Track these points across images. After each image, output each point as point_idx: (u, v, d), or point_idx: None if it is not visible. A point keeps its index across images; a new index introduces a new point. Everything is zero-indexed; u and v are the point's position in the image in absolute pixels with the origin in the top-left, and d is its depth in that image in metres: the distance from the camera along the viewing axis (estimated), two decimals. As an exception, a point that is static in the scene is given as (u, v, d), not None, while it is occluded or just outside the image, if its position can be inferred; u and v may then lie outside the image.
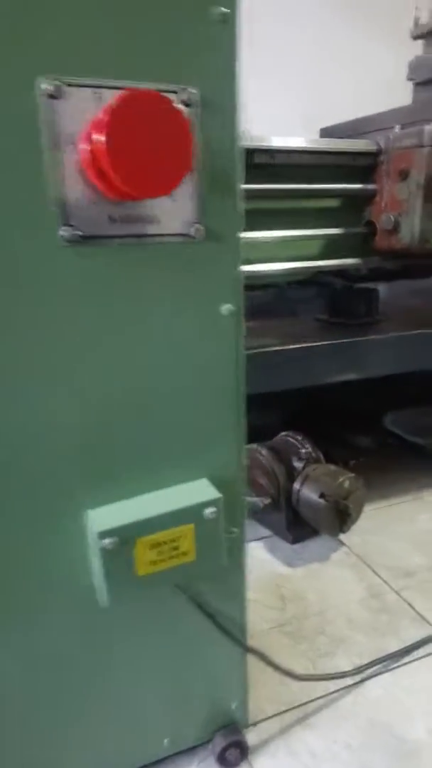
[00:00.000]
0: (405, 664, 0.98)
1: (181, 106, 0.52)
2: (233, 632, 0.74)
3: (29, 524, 0.59)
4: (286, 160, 1.42)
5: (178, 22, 0.51)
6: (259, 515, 1.41)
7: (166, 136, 0.47)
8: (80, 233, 0.52)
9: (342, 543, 1.34)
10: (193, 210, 0.56)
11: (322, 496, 1.22)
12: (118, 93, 0.49)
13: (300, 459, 1.35)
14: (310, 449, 1.38)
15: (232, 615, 0.75)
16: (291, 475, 1.34)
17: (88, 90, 0.49)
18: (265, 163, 1.40)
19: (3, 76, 0.46)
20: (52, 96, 0.48)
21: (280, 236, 1.48)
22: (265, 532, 1.41)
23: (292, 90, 2.61)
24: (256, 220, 1.50)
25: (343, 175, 1.50)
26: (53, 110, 0.48)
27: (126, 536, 0.58)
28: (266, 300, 1.97)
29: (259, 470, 1.36)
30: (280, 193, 1.46)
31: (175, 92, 0.52)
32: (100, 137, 0.45)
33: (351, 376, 1.39)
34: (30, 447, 0.57)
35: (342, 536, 1.31)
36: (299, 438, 1.41)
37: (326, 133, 1.97)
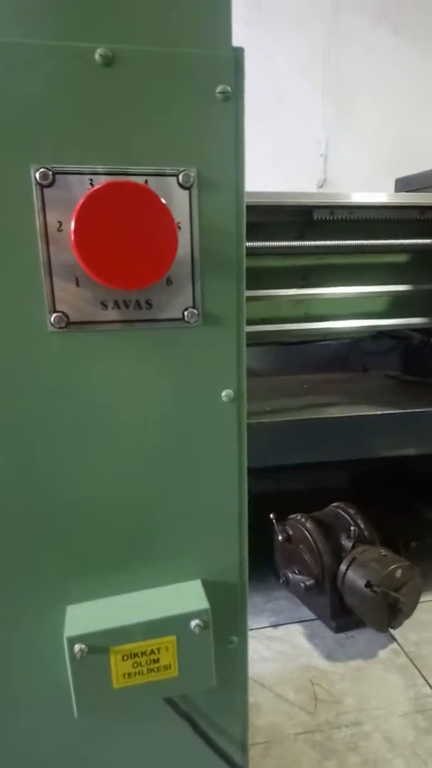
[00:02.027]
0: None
1: (177, 189, 0.49)
2: (232, 756, 0.65)
3: (8, 613, 0.56)
4: (350, 216, 1.36)
5: (178, 101, 0.48)
6: (301, 595, 1.29)
7: (145, 227, 0.43)
8: (69, 319, 0.50)
9: (393, 638, 1.19)
10: (189, 294, 0.52)
11: (368, 585, 1.10)
12: (110, 179, 0.47)
13: (349, 537, 1.23)
14: (362, 526, 1.26)
15: (231, 733, 0.66)
16: (338, 554, 1.22)
17: (81, 176, 0.47)
18: (327, 220, 1.35)
19: (-3, 164, 0.46)
20: (43, 183, 0.47)
21: (345, 293, 1.42)
22: (308, 613, 1.29)
23: (377, 133, 2.55)
24: (321, 275, 1.45)
25: (412, 229, 1.41)
26: (45, 196, 0.47)
27: (97, 644, 0.52)
28: (335, 351, 1.89)
29: (304, 545, 1.25)
30: (347, 249, 1.40)
31: (173, 175, 0.49)
32: (75, 218, 0.43)
33: (412, 450, 1.26)
34: (12, 535, 0.54)
35: (394, 630, 1.16)
36: (351, 512, 1.30)
37: (402, 183, 1.89)
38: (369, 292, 1.45)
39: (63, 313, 0.50)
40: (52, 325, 0.49)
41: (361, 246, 1.38)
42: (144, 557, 0.58)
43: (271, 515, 1.30)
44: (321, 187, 2.65)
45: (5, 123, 0.45)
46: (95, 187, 0.42)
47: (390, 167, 2.13)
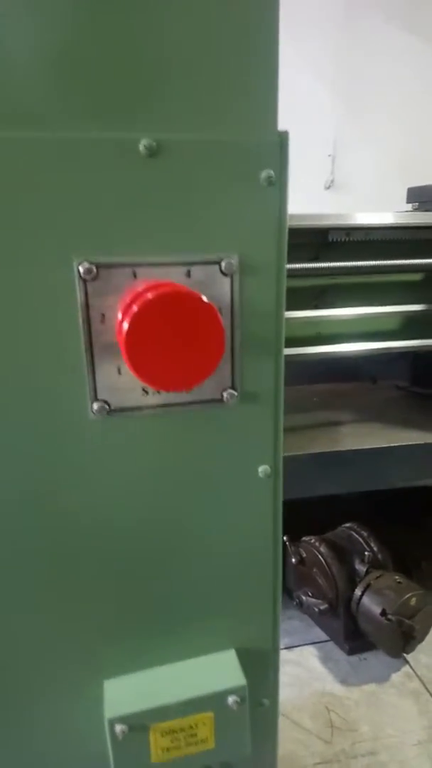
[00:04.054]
0: None
1: (219, 276, 0.49)
2: (261, 810, 0.67)
3: (43, 687, 0.56)
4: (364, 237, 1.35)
5: (222, 188, 0.47)
6: (314, 617, 1.31)
7: (196, 333, 0.43)
8: (110, 407, 0.49)
9: (406, 661, 1.21)
10: (228, 375, 0.52)
11: (383, 613, 1.11)
12: (153, 269, 0.47)
13: (363, 562, 1.24)
14: (375, 550, 1.27)
15: (260, 788, 0.67)
16: (352, 578, 1.23)
17: (124, 268, 0.47)
18: (341, 241, 1.34)
19: (41, 257, 0.45)
20: (86, 277, 0.46)
21: (359, 313, 1.41)
22: (320, 634, 1.31)
23: (388, 133, 2.51)
24: (335, 295, 1.44)
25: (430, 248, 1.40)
26: (88, 289, 0.46)
27: (139, 724, 0.53)
28: (343, 361, 1.88)
29: (317, 569, 1.26)
30: (362, 269, 1.39)
31: (215, 262, 0.48)
32: (124, 326, 0.42)
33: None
34: (49, 609, 0.54)
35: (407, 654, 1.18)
36: (364, 534, 1.31)
37: (414, 193, 1.87)
38: (383, 313, 1.44)
39: (104, 401, 0.49)
40: (94, 413, 0.49)
41: (377, 266, 1.37)
42: (179, 628, 0.58)
43: (285, 537, 1.31)
44: (328, 188, 2.62)
45: (49, 216, 0.44)
46: (149, 297, 0.41)
47: (401, 169, 2.09)
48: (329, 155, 2.59)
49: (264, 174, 0.47)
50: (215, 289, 0.49)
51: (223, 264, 0.49)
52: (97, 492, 0.52)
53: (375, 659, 1.22)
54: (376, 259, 1.36)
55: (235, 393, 0.52)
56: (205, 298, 0.43)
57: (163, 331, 0.42)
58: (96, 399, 0.49)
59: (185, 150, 0.45)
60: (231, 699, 0.55)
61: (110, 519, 0.53)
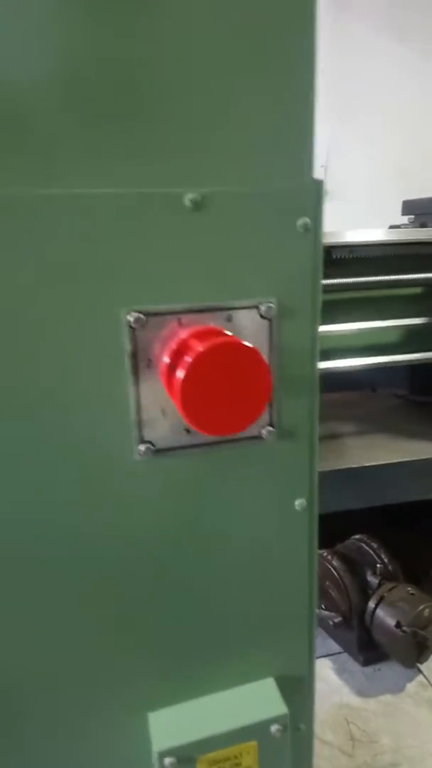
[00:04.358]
0: None
1: (258, 319, 0.50)
2: None
3: (87, 722, 0.57)
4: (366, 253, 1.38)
5: (261, 237, 0.49)
6: (328, 629, 1.33)
7: (245, 381, 0.44)
8: (155, 447, 0.51)
9: (419, 670, 1.23)
10: (267, 414, 0.54)
11: (398, 625, 1.13)
12: (196, 315, 0.48)
13: (375, 574, 1.26)
14: (386, 561, 1.29)
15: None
16: (364, 590, 1.25)
17: (170, 316, 0.48)
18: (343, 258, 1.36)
19: (92, 307, 0.46)
20: (135, 326, 0.47)
21: (359, 328, 1.43)
22: (334, 645, 1.33)
23: (382, 143, 2.53)
24: (335, 309, 1.46)
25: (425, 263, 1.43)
26: (135, 337, 0.48)
27: (186, 755, 0.54)
28: (343, 370, 1.90)
29: (330, 582, 1.28)
30: (359, 285, 1.41)
31: (254, 306, 0.50)
32: (178, 376, 0.44)
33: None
34: (94, 644, 0.55)
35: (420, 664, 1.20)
36: (374, 546, 1.33)
37: (409, 206, 1.90)
38: (383, 327, 1.46)
39: (150, 442, 0.51)
40: (140, 454, 0.50)
41: (378, 282, 1.40)
42: (219, 659, 0.59)
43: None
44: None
45: (98, 269, 0.46)
46: (204, 349, 0.42)
47: (396, 179, 2.12)
48: (322, 166, 2.62)
49: (301, 222, 0.49)
50: (254, 332, 0.51)
51: (262, 308, 0.50)
52: (141, 528, 0.53)
53: (389, 669, 1.24)
54: (377, 275, 1.38)
55: (274, 430, 0.54)
56: (251, 346, 0.44)
57: (215, 379, 0.43)
58: (142, 441, 0.50)
59: (227, 202, 0.47)
60: (274, 727, 0.56)
61: (153, 555, 0.54)
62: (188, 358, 0.43)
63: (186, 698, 0.59)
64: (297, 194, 0.49)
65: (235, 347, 0.44)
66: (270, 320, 0.51)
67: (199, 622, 0.58)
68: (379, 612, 1.18)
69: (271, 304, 0.50)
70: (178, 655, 0.58)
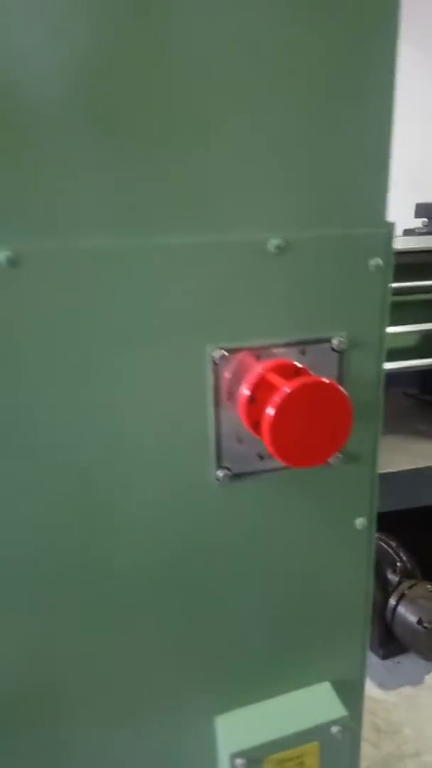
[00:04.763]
0: None
1: (330, 353, 0.53)
2: None
3: (158, 727, 0.61)
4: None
5: (336, 277, 0.52)
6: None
7: (328, 416, 0.47)
8: (231, 472, 0.54)
9: (437, 663, 1.29)
10: (335, 440, 0.57)
11: (420, 622, 1.18)
12: (274, 350, 0.51)
13: (395, 572, 1.31)
14: (405, 559, 1.34)
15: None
16: (384, 588, 1.30)
17: (251, 351, 0.51)
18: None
19: (181, 344, 0.49)
20: (218, 361, 0.50)
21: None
22: (354, 640, 1.38)
23: (400, 141, 2.54)
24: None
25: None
26: (218, 371, 0.51)
27: (255, 756, 0.58)
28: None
29: (351, 579, 1.33)
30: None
31: (326, 341, 0.53)
32: (268, 413, 0.47)
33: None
34: (170, 654, 0.59)
35: (438, 657, 1.25)
36: (393, 545, 1.37)
37: (423, 209, 1.93)
38: (402, 331, 1.50)
39: (227, 468, 0.54)
40: (218, 479, 0.54)
41: (398, 288, 1.43)
42: (281, 666, 0.63)
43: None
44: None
45: (187, 310, 0.48)
46: (292, 389, 0.45)
47: (410, 182, 2.13)
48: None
49: (373, 262, 0.52)
50: (326, 364, 0.54)
51: (334, 342, 0.53)
52: (215, 547, 0.56)
53: (408, 662, 1.29)
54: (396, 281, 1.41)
55: (340, 455, 0.57)
56: (334, 383, 0.47)
57: (302, 416, 0.46)
58: (220, 466, 0.54)
59: (307, 246, 0.50)
60: (335, 729, 0.60)
61: (226, 571, 0.58)
62: (277, 398, 0.46)
63: (250, 702, 0.63)
64: (371, 238, 0.51)
65: (321, 386, 0.47)
66: (340, 353, 0.54)
67: (264, 632, 0.61)
68: (401, 609, 1.23)
69: (342, 338, 0.53)
70: (244, 663, 0.62)
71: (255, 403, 0.51)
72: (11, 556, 0.51)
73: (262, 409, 0.51)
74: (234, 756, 0.57)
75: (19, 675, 0.55)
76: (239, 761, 0.57)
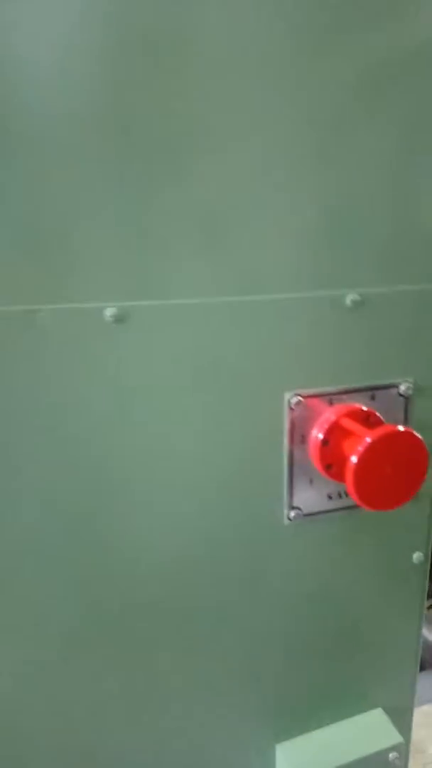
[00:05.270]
0: None
1: (397, 398, 0.56)
2: None
3: (220, 755, 0.63)
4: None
5: (403, 328, 0.55)
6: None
7: (406, 462, 0.50)
8: (302, 512, 0.56)
9: (455, 681, 1.32)
10: (397, 480, 0.60)
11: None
12: (345, 396, 0.54)
13: (414, 591, 1.33)
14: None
15: None
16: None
17: (323, 397, 0.54)
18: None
19: (261, 392, 0.52)
20: (294, 408, 0.53)
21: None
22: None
23: None
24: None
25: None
26: (293, 416, 0.53)
27: (318, 784, 0.60)
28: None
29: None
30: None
31: (394, 386, 0.56)
32: (352, 461, 0.49)
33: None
34: (230, 681, 0.61)
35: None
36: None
37: None
38: None
39: (298, 508, 0.56)
40: (290, 519, 0.56)
41: None
42: (338, 694, 0.66)
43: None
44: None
45: (266, 360, 0.51)
46: (375, 438, 0.48)
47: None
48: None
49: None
50: (393, 408, 0.57)
51: (401, 387, 0.56)
52: (281, 584, 0.59)
53: (425, 680, 1.32)
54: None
55: (405, 494, 0.60)
56: (412, 431, 0.50)
57: (382, 463, 0.49)
58: (292, 507, 0.56)
59: (382, 300, 0.53)
60: (392, 755, 0.63)
61: (288, 606, 0.60)
62: (360, 447, 0.49)
63: (308, 729, 0.65)
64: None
65: (400, 435, 0.50)
66: (407, 398, 0.57)
67: (321, 662, 0.64)
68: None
69: (409, 384, 0.56)
70: (302, 692, 0.64)
71: (328, 446, 0.54)
72: (103, 600, 0.53)
73: (335, 452, 0.54)
74: (298, 784, 0.59)
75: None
76: (303, 789, 0.59)
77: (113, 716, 0.57)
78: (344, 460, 0.52)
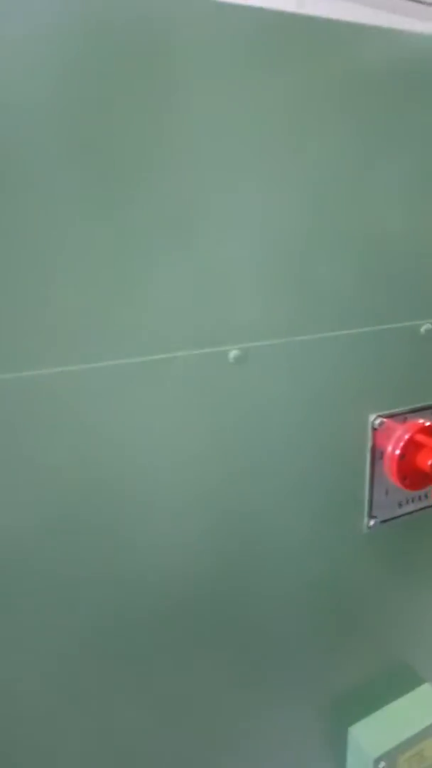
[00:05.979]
0: None
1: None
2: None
3: (294, 740, 0.69)
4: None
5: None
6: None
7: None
8: (378, 520, 0.63)
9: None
10: (450, 482, 0.67)
11: None
12: (416, 414, 0.61)
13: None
14: None
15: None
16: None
17: (399, 416, 0.60)
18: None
19: (350, 416, 0.57)
20: (376, 427, 0.58)
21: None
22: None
23: None
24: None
25: None
26: (375, 435, 0.59)
27: (393, 757, 0.67)
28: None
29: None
30: None
31: (452, 401, 0.63)
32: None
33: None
34: (311, 667, 0.66)
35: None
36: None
37: None
38: None
39: (376, 516, 0.62)
40: (369, 527, 0.62)
41: None
42: (392, 677, 0.73)
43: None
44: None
45: (352, 386, 0.56)
46: (415, 430, 0.55)
47: None
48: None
49: None
50: (448, 420, 0.64)
51: (458, 401, 0.63)
52: (356, 585, 0.65)
53: None
54: None
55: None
56: None
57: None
58: (371, 516, 0.62)
59: (448, 327, 0.60)
60: (447, 723, 0.71)
61: (356, 603, 0.66)
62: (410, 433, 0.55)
63: (372, 711, 0.72)
64: None
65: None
66: (458, 411, 0.64)
67: (380, 651, 0.71)
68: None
69: (464, 398, 0.64)
70: (368, 677, 0.71)
71: (404, 459, 0.60)
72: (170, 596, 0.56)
73: (410, 465, 0.60)
74: (378, 760, 0.66)
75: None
76: (382, 764, 0.66)
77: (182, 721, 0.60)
78: (418, 471, 0.59)
